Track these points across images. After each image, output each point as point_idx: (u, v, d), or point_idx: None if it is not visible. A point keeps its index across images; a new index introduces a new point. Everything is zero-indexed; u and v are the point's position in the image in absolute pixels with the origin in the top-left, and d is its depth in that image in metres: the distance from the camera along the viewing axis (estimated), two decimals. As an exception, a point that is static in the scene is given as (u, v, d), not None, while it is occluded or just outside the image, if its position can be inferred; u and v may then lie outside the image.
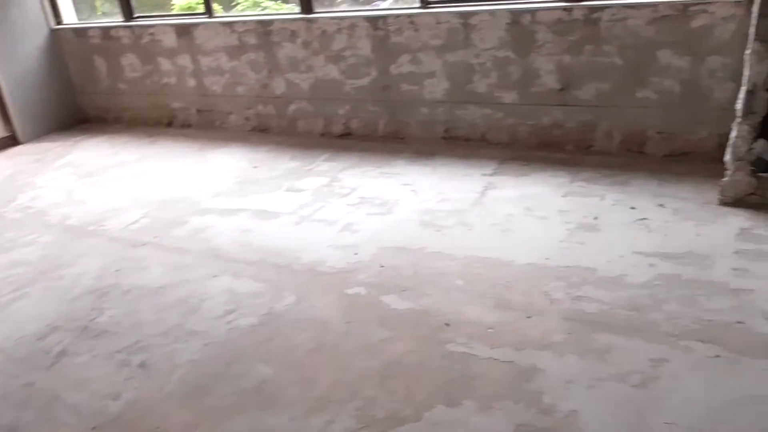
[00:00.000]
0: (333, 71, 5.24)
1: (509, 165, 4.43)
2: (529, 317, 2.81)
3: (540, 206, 3.80)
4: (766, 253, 3.06)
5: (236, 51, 5.62)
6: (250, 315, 3.05)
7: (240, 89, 5.77)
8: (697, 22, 3.86)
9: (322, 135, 5.47)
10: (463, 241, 3.51)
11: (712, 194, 3.62)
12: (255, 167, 4.99)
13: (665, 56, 4.02)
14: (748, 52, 3.28)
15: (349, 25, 5.01)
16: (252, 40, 5.51)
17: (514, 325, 2.76)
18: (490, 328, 2.76)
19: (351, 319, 2.93)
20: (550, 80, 4.43)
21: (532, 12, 4.33)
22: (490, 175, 4.32)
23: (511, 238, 3.50)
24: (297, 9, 5.31)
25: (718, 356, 2.46)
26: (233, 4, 9.51)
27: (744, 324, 2.61)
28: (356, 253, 3.50)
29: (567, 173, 4.19)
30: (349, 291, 3.16)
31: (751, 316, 2.65)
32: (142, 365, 2.78)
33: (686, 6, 3.88)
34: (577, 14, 4.18)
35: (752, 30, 3.23)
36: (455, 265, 3.28)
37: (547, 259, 3.24)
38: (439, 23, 4.66)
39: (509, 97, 4.62)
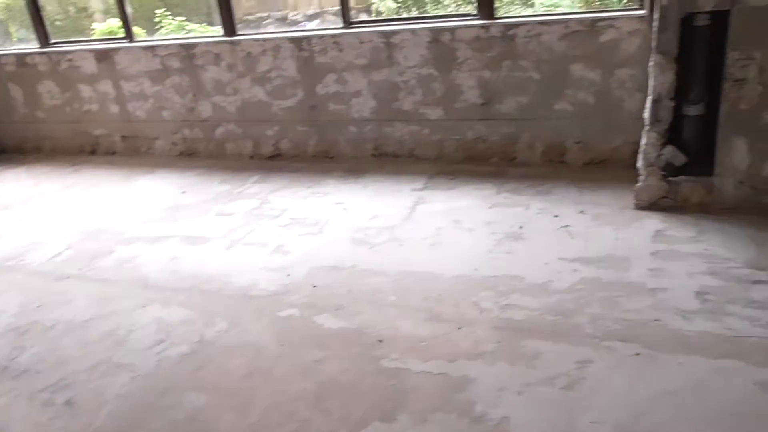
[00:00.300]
0: (260, 93, 5.23)
1: (438, 179, 4.52)
2: (460, 328, 2.86)
3: (468, 218, 3.89)
4: (679, 253, 3.23)
5: (160, 75, 5.54)
6: (180, 344, 2.99)
7: (165, 114, 5.67)
8: (605, 37, 4.07)
9: (252, 157, 5.43)
10: (395, 257, 3.55)
11: (629, 199, 3.80)
12: (183, 192, 4.91)
13: (578, 69, 4.21)
14: (651, 63, 3.48)
15: (274, 46, 5.02)
16: (175, 63, 5.44)
17: (445, 337, 2.81)
18: (422, 342, 2.79)
19: (284, 341, 2.91)
20: (472, 96, 4.56)
21: (452, 30, 4.45)
22: (420, 190, 4.39)
23: (442, 251, 3.56)
24: (221, 31, 5.28)
25: (638, 354, 2.57)
26: (156, 27, 9.38)
27: (660, 321, 2.74)
28: (289, 275, 3.49)
29: (493, 185, 4.31)
30: (282, 313, 3.14)
31: (667, 313, 2.78)
32: (68, 403, 2.68)
33: (594, 21, 4.08)
34: (494, 31, 4.33)
35: (654, 43, 3.42)
36: (387, 281, 3.31)
37: (476, 270, 3.32)
38: (362, 43, 4.73)
39: (434, 113, 4.72)
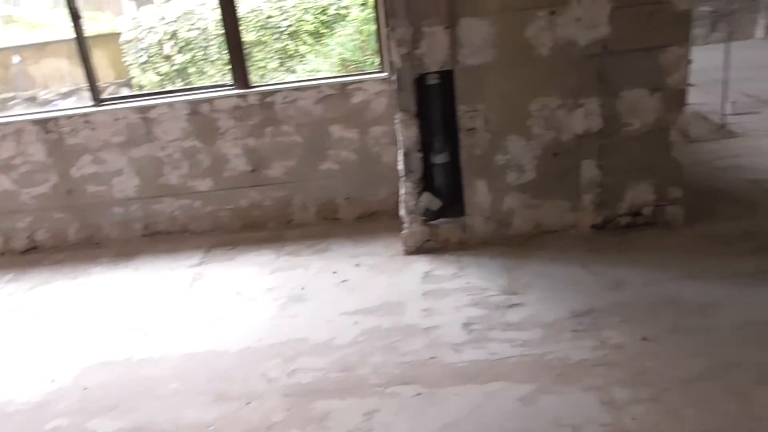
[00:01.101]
0: (4, 182, 4.71)
1: (215, 252, 4.42)
2: (248, 403, 2.78)
3: (249, 288, 3.83)
4: (445, 290, 3.49)
5: None
6: None
7: None
8: (356, 99, 4.36)
9: (2, 254, 4.84)
10: (175, 340, 3.37)
11: (398, 246, 4.03)
12: None
13: (337, 130, 4.44)
14: (396, 121, 3.79)
15: (15, 130, 4.59)
16: None
17: (234, 416, 2.71)
18: (210, 426, 2.66)
19: (51, 459, 2.59)
20: (240, 163, 4.57)
21: (210, 101, 4.44)
22: (197, 265, 4.25)
23: (224, 326, 3.46)
24: (-52, 119, 4.71)
25: (419, 394, 2.70)
26: None
27: (436, 358, 2.92)
28: (53, 380, 3.13)
29: (272, 250, 4.32)
30: (48, 426, 2.80)
31: (441, 349, 2.98)
32: None
33: (344, 85, 4.36)
34: (252, 100, 4.41)
35: (396, 102, 3.74)
36: (168, 368, 3.12)
37: (260, 339, 3.27)
38: (116, 120, 4.52)
39: (204, 184, 4.63)
